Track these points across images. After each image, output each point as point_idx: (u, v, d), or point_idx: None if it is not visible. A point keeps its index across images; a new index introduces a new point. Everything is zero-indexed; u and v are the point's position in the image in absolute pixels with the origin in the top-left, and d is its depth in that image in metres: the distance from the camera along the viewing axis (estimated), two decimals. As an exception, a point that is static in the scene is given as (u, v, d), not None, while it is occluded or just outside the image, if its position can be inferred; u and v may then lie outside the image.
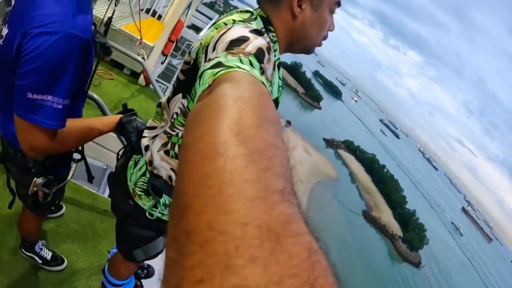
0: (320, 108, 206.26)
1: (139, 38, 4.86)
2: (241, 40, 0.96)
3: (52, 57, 1.25)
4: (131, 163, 1.64)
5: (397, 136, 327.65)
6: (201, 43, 1.24)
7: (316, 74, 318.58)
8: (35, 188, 1.77)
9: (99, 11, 5.96)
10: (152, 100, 6.27)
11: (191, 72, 1.27)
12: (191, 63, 1.28)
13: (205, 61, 1.07)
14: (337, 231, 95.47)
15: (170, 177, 1.46)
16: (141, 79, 6.51)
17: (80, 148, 2.01)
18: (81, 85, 1.64)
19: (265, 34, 1.12)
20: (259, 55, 0.91)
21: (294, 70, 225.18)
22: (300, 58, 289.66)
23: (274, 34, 1.30)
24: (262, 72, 0.86)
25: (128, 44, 6.03)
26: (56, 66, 1.26)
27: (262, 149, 0.44)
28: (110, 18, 4.50)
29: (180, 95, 1.35)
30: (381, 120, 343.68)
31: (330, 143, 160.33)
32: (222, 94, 0.58)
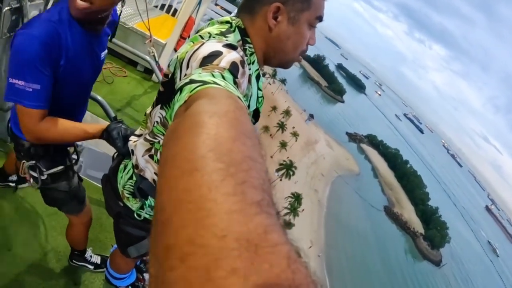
0: (343, 102, 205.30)
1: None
2: (214, 56, 0.96)
3: (17, 49, 1.59)
4: (121, 166, 1.69)
5: (421, 131, 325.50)
6: (177, 57, 1.22)
7: (340, 67, 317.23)
8: (24, 170, 2.05)
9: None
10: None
11: (169, 85, 1.27)
12: (169, 76, 1.27)
13: (180, 77, 1.10)
14: (358, 226, 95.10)
15: (154, 180, 1.50)
16: (155, 75, 6.57)
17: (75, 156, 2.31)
18: (68, 86, 1.88)
19: (239, 48, 1.10)
20: (233, 69, 0.91)
21: (317, 63, 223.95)
22: (323, 50, 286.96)
23: (251, 46, 1.30)
24: (237, 86, 0.87)
25: (141, 42, 6.09)
26: (21, 57, 1.59)
27: (238, 163, 0.45)
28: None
29: (159, 106, 1.37)
30: (405, 115, 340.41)
31: (353, 137, 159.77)
32: (198, 110, 0.58)
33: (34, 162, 2.05)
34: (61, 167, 2.13)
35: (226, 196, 0.39)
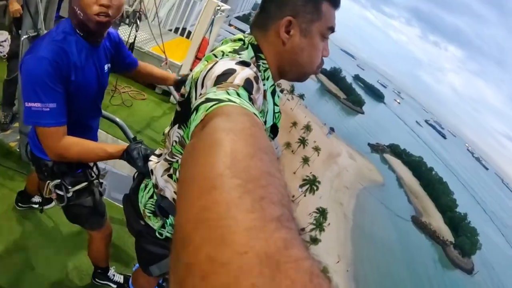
0: (363, 113, 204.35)
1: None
2: (228, 74, 0.96)
3: (28, 72, 1.65)
4: (142, 186, 1.71)
5: (444, 137, 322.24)
6: (192, 76, 1.24)
7: (357, 78, 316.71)
8: (49, 190, 2.09)
9: (124, 34, 6.23)
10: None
11: (186, 104, 1.28)
12: (185, 95, 1.29)
13: (196, 96, 1.12)
14: (385, 237, 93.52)
15: (174, 199, 1.48)
16: (173, 97, 6.69)
17: (95, 171, 2.34)
18: (80, 100, 1.92)
19: (252, 65, 1.11)
20: (248, 86, 0.92)
21: (334, 75, 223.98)
22: (339, 63, 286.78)
23: (265, 61, 1.31)
24: (252, 102, 0.87)
25: (157, 65, 6.09)
26: (32, 79, 1.65)
27: (256, 179, 0.46)
28: (132, 44, 4.71)
29: (177, 125, 1.38)
30: (426, 121, 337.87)
31: (375, 148, 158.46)
32: (214, 128, 0.59)
33: (59, 180, 2.08)
34: (85, 183, 2.16)
35: (245, 212, 0.39)
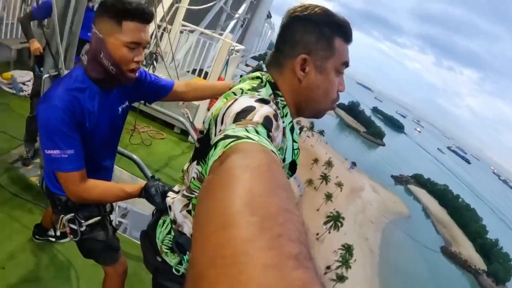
0: (383, 145, 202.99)
1: (183, 99, 5.18)
2: (247, 111, 0.97)
3: (45, 122, 1.69)
4: (160, 222, 1.71)
5: (468, 162, 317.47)
6: (212, 113, 1.26)
7: (375, 110, 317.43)
8: (63, 224, 2.15)
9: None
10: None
11: (205, 140, 1.29)
12: (204, 132, 1.30)
13: (215, 133, 1.13)
14: (413, 271, 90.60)
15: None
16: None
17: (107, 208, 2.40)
18: (94, 144, 1.98)
19: (271, 102, 1.11)
20: (267, 123, 0.92)
21: (352, 109, 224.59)
22: (357, 96, 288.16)
23: (282, 99, 1.33)
24: (271, 140, 0.88)
25: (175, 105, 6.25)
26: (50, 128, 1.69)
27: (274, 216, 0.45)
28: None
29: (195, 161, 1.41)
30: (448, 148, 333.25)
31: (399, 180, 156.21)
32: (232, 165, 0.60)
33: (73, 214, 2.13)
34: (98, 217, 2.22)
35: (262, 250, 0.39)
